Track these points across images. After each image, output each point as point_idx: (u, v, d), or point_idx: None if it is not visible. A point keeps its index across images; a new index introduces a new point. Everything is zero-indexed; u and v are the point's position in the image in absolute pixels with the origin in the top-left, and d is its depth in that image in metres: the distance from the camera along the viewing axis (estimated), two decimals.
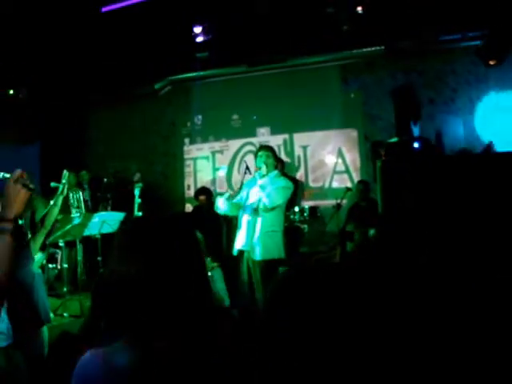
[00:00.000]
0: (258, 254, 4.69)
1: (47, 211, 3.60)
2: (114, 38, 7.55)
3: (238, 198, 5.06)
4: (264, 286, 4.64)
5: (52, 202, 3.65)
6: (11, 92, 8.34)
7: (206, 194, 7.89)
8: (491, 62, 6.78)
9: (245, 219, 4.83)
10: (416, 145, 3.58)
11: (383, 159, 3.10)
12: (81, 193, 7.29)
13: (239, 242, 4.83)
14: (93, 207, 7.67)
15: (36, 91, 8.53)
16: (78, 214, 6.11)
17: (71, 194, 7.23)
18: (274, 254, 4.71)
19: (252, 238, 4.73)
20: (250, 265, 4.75)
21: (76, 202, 7.19)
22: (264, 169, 4.80)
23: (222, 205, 4.87)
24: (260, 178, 4.82)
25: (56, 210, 3.65)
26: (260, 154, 4.92)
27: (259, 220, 4.74)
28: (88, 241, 7.01)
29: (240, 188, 5.18)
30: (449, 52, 7.69)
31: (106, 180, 8.06)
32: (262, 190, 4.70)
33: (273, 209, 4.73)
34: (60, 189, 3.78)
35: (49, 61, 7.90)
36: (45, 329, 3.36)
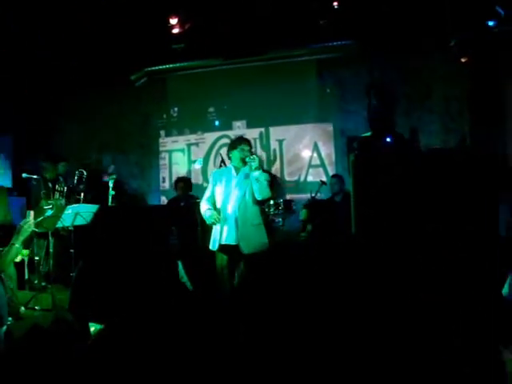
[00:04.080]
0: (248, 247, 4.70)
1: (6, 250, 3.36)
2: (91, 27, 7.45)
3: (208, 194, 5.04)
4: (248, 279, 4.68)
5: (12, 241, 3.38)
6: None
7: (185, 182, 7.86)
8: (463, 60, 6.89)
9: (229, 212, 4.83)
10: (388, 139, 3.64)
11: (356, 153, 3.14)
12: (64, 185, 7.19)
13: (223, 236, 4.80)
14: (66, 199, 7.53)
15: (8, 79, 8.36)
16: (51, 206, 6.02)
17: (57, 186, 7.14)
18: (263, 246, 4.73)
19: (238, 231, 4.75)
20: (235, 258, 4.75)
21: (58, 194, 7.09)
22: (257, 160, 4.80)
23: (205, 211, 4.90)
24: (253, 169, 4.76)
25: (15, 250, 3.39)
26: (243, 146, 4.89)
27: (247, 213, 4.79)
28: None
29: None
30: (424, 48, 7.77)
31: (78, 171, 7.95)
32: (257, 182, 4.71)
33: (261, 201, 4.83)
34: (20, 228, 3.45)
35: (21, 48, 7.75)
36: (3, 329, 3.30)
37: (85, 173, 7.67)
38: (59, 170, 7.91)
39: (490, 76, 7.05)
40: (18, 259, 6.04)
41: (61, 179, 7.66)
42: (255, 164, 4.75)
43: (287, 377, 0.87)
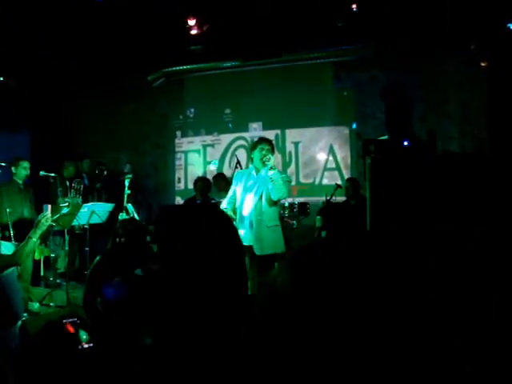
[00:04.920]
0: (261, 249, 4.66)
1: (23, 244, 3.37)
2: (108, 28, 7.51)
3: (231, 193, 5.03)
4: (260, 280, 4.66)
5: (29, 235, 3.39)
6: (1, 79, 8.26)
7: (204, 182, 7.82)
8: (483, 64, 6.81)
9: (245, 214, 4.80)
10: (406, 143, 3.60)
11: (373, 156, 3.12)
12: (82, 185, 7.26)
13: None
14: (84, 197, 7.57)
15: (27, 79, 8.47)
16: (67, 204, 6.08)
17: (73, 184, 7.22)
18: (278, 248, 4.73)
19: (255, 233, 4.69)
20: (250, 259, 4.70)
21: (75, 193, 7.15)
22: (272, 160, 4.74)
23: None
24: (268, 169, 4.70)
25: (31, 244, 3.39)
26: (262, 146, 4.82)
27: (263, 214, 4.73)
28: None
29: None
30: (441, 52, 7.71)
31: (98, 169, 8.04)
32: (271, 183, 4.65)
33: (277, 202, 4.77)
34: (38, 222, 3.43)
35: (40, 49, 7.84)
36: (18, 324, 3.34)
37: (105, 172, 7.74)
38: (84, 167, 8.00)
39: (509, 80, 6.96)
40: (39, 256, 6.16)
41: (85, 176, 7.74)
42: (270, 164, 4.71)
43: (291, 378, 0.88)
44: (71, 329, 2.74)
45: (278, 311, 0.89)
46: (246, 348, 1.03)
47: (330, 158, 8.74)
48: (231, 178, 5.54)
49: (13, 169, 6.35)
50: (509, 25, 6.50)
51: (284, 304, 0.88)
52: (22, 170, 6.36)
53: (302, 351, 0.85)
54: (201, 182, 7.68)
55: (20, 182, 6.38)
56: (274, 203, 4.77)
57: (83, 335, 2.82)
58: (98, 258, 3.76)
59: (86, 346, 2.78)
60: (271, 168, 4.69)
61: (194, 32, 7.69)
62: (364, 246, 0.92)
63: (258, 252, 4.66)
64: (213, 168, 9.33)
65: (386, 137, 3.82)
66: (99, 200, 7.40)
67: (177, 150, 9.79)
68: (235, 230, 1.37)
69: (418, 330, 0.88)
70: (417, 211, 2.97)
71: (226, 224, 1.36)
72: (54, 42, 7.73)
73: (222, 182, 7.48)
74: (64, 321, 2.75)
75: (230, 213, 4.80)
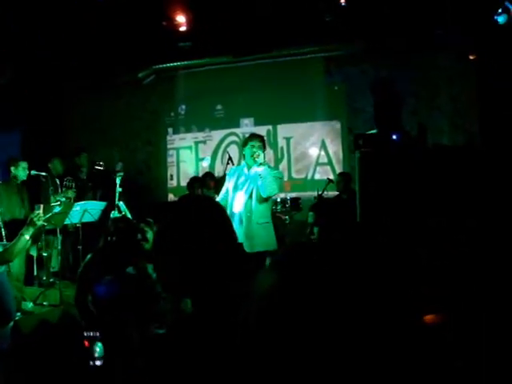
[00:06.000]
0: (252, 246, 4.61)
1: (14, 240, 3.36)
2: (98, 25, 7.47)
3: (224, 191, 4.99)
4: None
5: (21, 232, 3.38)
6: None
7: (201, 182, 7.84)
8: (471, 57, 6.83)
9: (236, 210, 4.76)
10: (394, 137, 3.62)
11: (362, 150, 3.13)
12: (73, 183, 7.21)
13: None
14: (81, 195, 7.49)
15: (18, 77, 8.41)
16: (59, 203, 6.05)
17: (65, 182, 7.17)
18: (269, 246, 4.69)
19: (245, 230, 4.66)
20: None
21: (67, 191, 7.11)
22: (262, 157, 4.69)
23: None
24: (257, 166, 4.68)
25: (23, 241, 3.38)
26: (253, 143, 4.79)
27: (253, 211, 4.69)
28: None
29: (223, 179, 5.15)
30: (432, 46, 7.72)
31: (95, 169, 8.03)
32: (260, 179, 4.62)
33: (267, 199, 4.74)
34: (30, 220, 3.44)
35: (31, 46, 7.80)
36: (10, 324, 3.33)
37: (102, 167, 7.69)
38: (82, 162, 7.96)
39: (499, 73, 6.99)
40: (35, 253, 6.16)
41: (83, 170, 7.70)
42: (259, 160, 4.67)
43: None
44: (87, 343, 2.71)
45: (264, 313, 0.88)
46: (242, 348, 1.03)
47: (322, 152, 8.75)
48: (223, 175, 5.53)
49: (12, 169, 6.32)
50: (495, 18, 6.51)
51: (270, 305, 0.87)
52: (22, 171, 6.35)
53: (294, 352, 0.84)
54: (198, 183, 7.74)
55: (18, 182, 6.36)
56: (264, 200, 4.73)
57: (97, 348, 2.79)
58: (89, 256, 3.75)
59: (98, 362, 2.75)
60: (261, 164, 4.67)
61: (183, 29, 7.67)
62: (354, 240, 0.92)
63: (248, 249, 4.59)
64: (205, 165, 9.32)
65: (374, 131, 3.83)
66: (94, 197, 7.38)
67: (168, 146, 9.76)
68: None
69: (410, 325, 0.88)
70: (407, 205, 2.98)
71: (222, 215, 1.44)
72: (47, 41, 7.69)
73: (210, 182, 7.54)
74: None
75: None
